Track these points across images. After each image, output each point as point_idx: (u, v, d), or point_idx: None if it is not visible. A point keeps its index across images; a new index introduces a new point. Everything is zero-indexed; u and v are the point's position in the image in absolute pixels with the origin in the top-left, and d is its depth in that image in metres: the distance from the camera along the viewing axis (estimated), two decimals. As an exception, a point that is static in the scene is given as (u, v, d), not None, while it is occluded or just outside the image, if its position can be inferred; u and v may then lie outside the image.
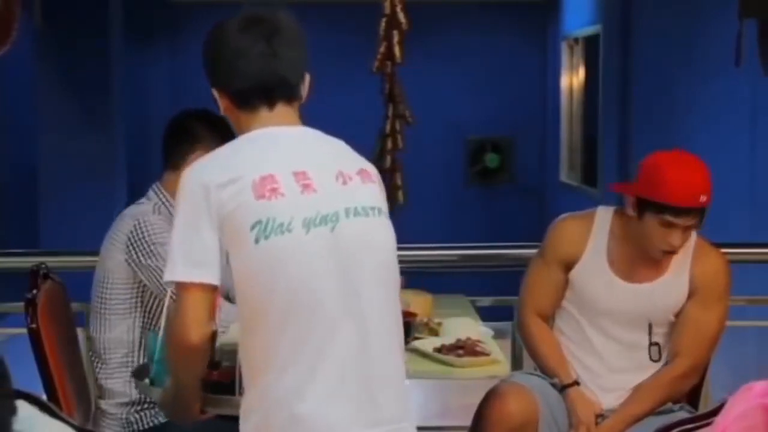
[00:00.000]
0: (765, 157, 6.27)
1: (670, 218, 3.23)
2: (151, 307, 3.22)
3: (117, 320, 3.22)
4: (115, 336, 3.23)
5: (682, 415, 3.30)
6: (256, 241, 2.30)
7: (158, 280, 3.12)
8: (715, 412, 2.92)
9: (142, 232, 3.18)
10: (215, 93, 2.52)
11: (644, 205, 3.27)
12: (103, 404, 3.19)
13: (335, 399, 2.32)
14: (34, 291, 3.23)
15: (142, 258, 3.16)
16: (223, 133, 3.21)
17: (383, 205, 2.49)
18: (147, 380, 2.79)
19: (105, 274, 3.24)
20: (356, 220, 2.39)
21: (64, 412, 3.00)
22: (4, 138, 10.53)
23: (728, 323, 3.51)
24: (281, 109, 2.47)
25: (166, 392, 2.62)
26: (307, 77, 2.52)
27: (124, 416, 3.16)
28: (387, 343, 2.41)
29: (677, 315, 3.39)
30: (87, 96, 9.86)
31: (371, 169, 2.52)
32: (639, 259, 3.37)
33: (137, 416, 3.17)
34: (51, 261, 3.56)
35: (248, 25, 2.46)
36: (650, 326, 3.39)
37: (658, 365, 3.41)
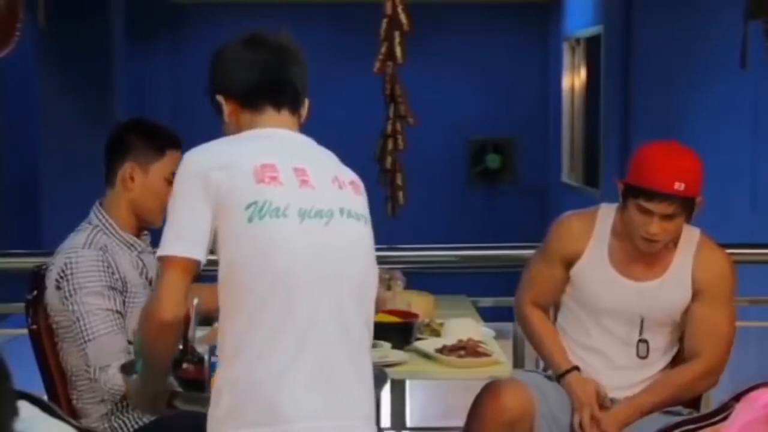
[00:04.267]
0: (766, 158, 6.26)
1: (643, 203, 3.22)
2: None
3: (71, 347, 3.14)
4: (75, 360, 3.15)
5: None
6: (250, 219, 2.34)
7: (75, 323, 3.04)
8: (716, 413, 2.92)
9: (67, 272, 3.07)
10: (220, 99, 2.56)
11: (627, 191, 3.28)
12: (82, 423, 3.14)
13: (310, 390, 2.35)
14: (35, 292, 3.22)
15: (64, 302, 3.07)
16: (157, 139, 3.20)
17: (369, 218, 2.54)
18: (134, 376, 2.78)
19: (50, 303, 3.15)
20: (349, 221, 2.45)
21: (65, 412, 3.00)
22: (6, 138, 10.53)
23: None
24: (287, 115, 2.55)
25: (136, 381, 2.63)
26: (307, 101, 2.59)
27: (106, 425, 3.13)
28: (360, 343, 2.45)
29: (683, 315, 3.39)
30: (89, 96, 9.87)
31: (360, 183, 2.57)
32: (640, 257, 3.37)
33: (120, 422, 3.14)
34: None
35: (253, 42, 2.55)
36: (642, 322, 3.39)
37: (645, 362, 3.40)
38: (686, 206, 3.24)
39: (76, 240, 3.14)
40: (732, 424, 1.94)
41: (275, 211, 2.35)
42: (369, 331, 2.50)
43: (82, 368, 3.13)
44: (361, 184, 2.56)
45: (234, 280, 2.37)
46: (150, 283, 3.18)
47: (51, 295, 3.13)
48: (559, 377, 3.40)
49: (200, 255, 2.38)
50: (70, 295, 3.06)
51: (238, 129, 2.55)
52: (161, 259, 2.41)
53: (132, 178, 3.17)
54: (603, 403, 3.35)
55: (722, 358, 3.39)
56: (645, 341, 3.40)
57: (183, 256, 2.38)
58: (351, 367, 2.41)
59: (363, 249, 2.48)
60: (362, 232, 2.48)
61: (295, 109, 2.56)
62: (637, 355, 3.41)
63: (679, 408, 3.38)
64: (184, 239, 2.38)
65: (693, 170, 3.23)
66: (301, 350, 2.35)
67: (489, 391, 3.30)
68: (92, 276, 3.06)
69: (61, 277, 3.08)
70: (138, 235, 3.22)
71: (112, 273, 3.08)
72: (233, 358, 2.37)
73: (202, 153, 2.46)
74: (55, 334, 3.18)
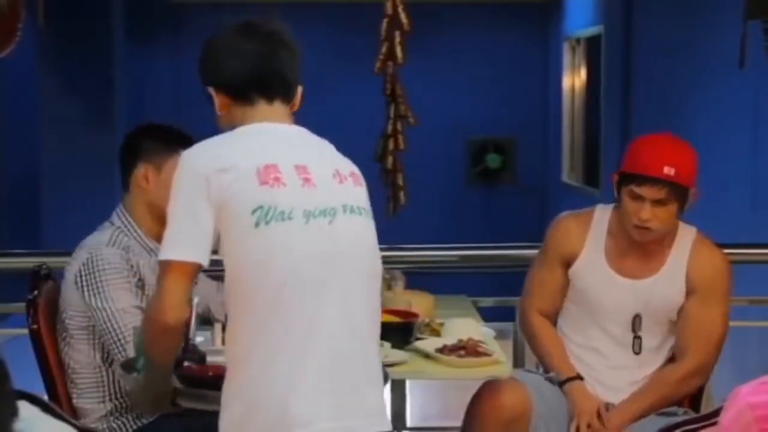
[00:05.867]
0: (766, 158, 6.26)
1: (634, 188, 3.26)
2: None
3: (79, 344, 3.15)
4: (82, 358, 3.16)
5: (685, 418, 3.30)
6: (256, 224, 2.34)
7: (106, 322, 3.05)
8: (717, 412, 2.92)
9: (91, 269, 3.09)
10: (211, 91, 2.54)
11: (620, 182, 3.32)
12: (82, 423, 3.14)
13: (321, 390, 2.36)
14: (35, 291, 3.22)
15: (90, 299, 3.08)
16: (167, 138, 3.22)
17: (370, 209, 2.54)
18: (135, 373, 2.78)
19: (64, 299, 3.17)
20: (352, 217, 2.45)
21: (65, 412, 3.01)
22: (7, 138, 10.54)
23: (730, 323, 3.50)
24: (279, 106, 2.52)
25: (138, 380, 2.63)
26: (300, 88, 2.57)
27: (105, 426, 3.14)
28: (369, 338, 2.46)
29: (678, 313, 3.39)
30: (89, 96, 9.88)
31: (359, 173, 2.57)
32: (635, 255, 3.38)
33: (119, 422, 3.15)
34: (52, 261, 3.55)
35: (246, 30, 2.51)
36: (638, 319, 3.39)
37: (643, 361, 3.40)
38: (678, 194, 3.26)
39: (100, 238, 3.16)
40: (723, 421, 1.97)
41: (281, 215, 2.35)
42: (376, 325, 2.51)
43: (89, 365, 3.14)
44: (360, 175, 2.56)
45: (241, 284, 2.37)
46: None
47: (68, 289, 3.14)
48: (562, 383, 3.40)
49: (200, 258, 2.38)
50: (97, 293, 3.08)
51: (231, 122, 2.53)
52: (162, 263, 2.41)
53: (146, 179, 3.19)
54: (601, 415, 3.36)
55: (711, 356, 3.40)
56: (639, 338, 3.41)
57: (181, 260, 2.37)
58: (360, 364, 2.43)
59: (367, 242, 2.49)
60: (364, 226, 2.49)
61: (287, 99, 2.53)
62: (633, 350, 3.41)
63: (674, 408, 3.38)
64: (183, 243, 2.38)
65: (684, 158, 3.28)
66: (309, 352, 2.35)
67: (487, 389, 3.31)
68: (118, 273, 3.09)
69: (84, 273, 3.10)
70: (160, 241, 3.23)
71: (135, 273, 3.11)
72: (242, 363, 2.37)
73: (202, 153, 2.44)
74: (63, 329, 3.18)
